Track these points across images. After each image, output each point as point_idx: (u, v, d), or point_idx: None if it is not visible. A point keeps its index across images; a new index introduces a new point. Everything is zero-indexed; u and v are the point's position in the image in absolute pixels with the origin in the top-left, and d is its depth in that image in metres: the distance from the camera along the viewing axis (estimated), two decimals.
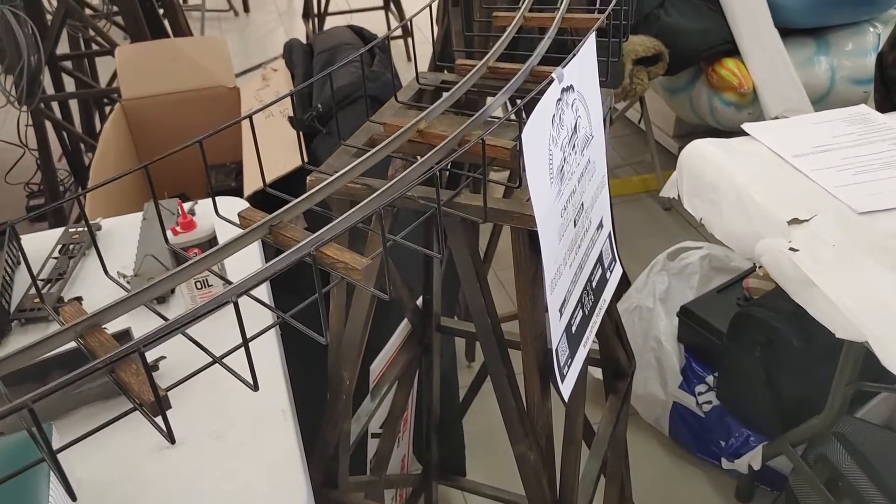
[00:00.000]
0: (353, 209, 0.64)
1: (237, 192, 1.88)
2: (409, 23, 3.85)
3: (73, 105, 2.88)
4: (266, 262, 0.57)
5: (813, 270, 1.04)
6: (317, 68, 1.60)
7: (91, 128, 2.89)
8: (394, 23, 4.16)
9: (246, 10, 4.67)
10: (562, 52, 0.92)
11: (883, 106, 1.83)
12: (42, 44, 2.26)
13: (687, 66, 2.44)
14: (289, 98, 1.68)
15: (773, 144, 1.34)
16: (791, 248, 1.09)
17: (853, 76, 2.44)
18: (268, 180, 1.47)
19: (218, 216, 0.75)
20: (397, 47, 3.99)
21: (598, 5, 1.28)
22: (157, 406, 0.45)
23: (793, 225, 1.13)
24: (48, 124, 2.46)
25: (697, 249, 1.96)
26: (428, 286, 1.27)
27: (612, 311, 1.21)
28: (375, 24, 4.24)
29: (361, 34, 1.72)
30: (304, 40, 4.01)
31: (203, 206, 1.23)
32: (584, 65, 0.85)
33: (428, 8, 1.06)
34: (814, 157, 1.30)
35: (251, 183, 1.51)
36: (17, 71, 2.23)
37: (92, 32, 2.61)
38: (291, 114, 1.55)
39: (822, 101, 2.45)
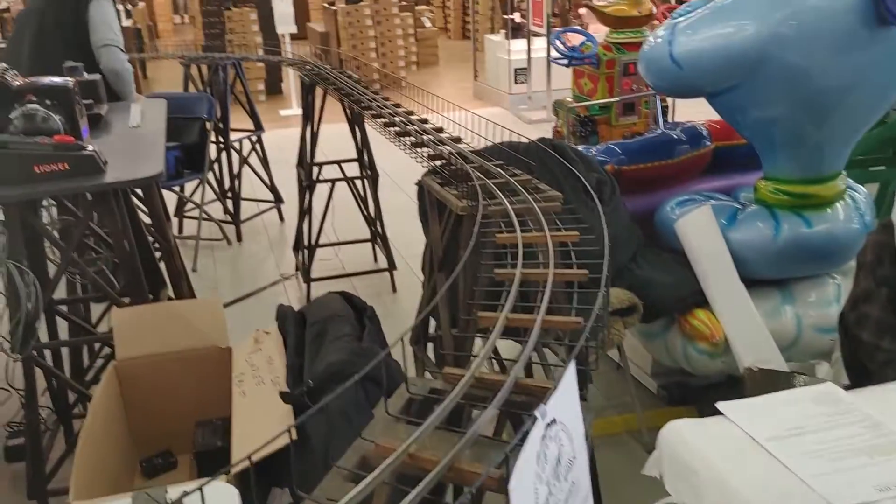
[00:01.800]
0: None
1: (223, 452, 1.89)
2: (390, 261, 4.03)
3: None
4: None
5: None
6: (309, 339, 1.67)
7: (79, 368, 2.92)
8: (380, 254, 4.34)
9: (239, 239, 4.88)
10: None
11: (851, 365, 1.91)
12: (41, 294, 2.35)
13: (660, 317, 2.56)
14: (281, 365, 1.74)
15: (748, 426, 1.39)
16: None
17: (819, 325, 2.55)
18: (255, 457, 1.49)
19: None
20: (383, 279, 4.14)
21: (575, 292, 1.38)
22: None
23: None
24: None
25: None
26: None
27: None
28: (363, 254, 4.43)
29: (352, 302, 1.82)
30: (295, 271, 4.17)
31: (223, 490, 1.24)
32: (564, 395, 0.91)
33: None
34: (788, 440, 1.35)
35: (239, 455, 1.52)
36: (14, 320, 2.30)
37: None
38: (282, 383, 1.60)
39: (791, 348, 2.55)
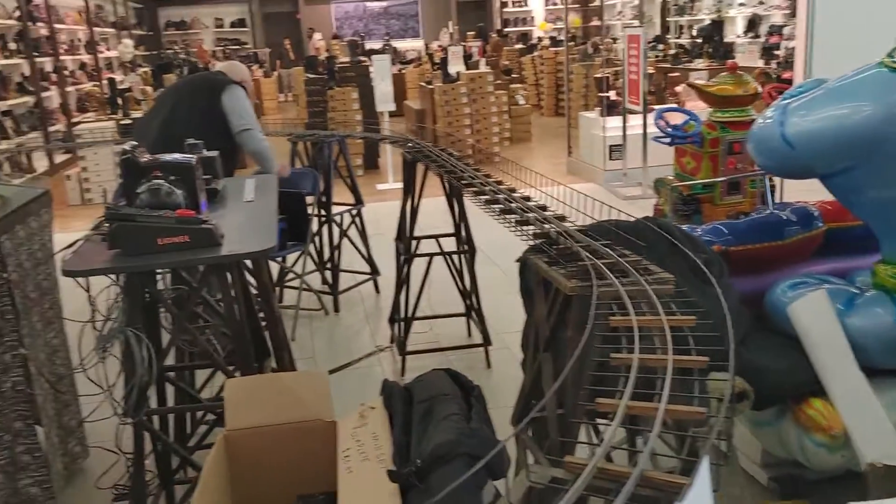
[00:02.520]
0: None
1: None
2: (485, 336, 4.01)
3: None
4: None
5: None
6: (416, 418, 1.67)
7: (182, 433, 2.99)
8: (473, 329, 4.34)
9: (336, 310, 4.97)
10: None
11: None
12: (155, 361, 2.44)
13: (772, 404, 2.45)
14: (386, 441, 1.74)
15: None
16: None
17: None
18: None
19: None
20: (477, 354, 4.12)
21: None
22: None
23: None
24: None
25: None
26: None
27: None
28: (458, 328, 4.43)
29: (458, 380, 1.81)
30: (390, 343, 4.20)
31: None
32: (699, 492, 0.87)
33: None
34: None
35: None
36: (129, 385, 2.39)
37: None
38: (388, 461, 1.59)
39: None
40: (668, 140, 3.51)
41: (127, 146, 2.48)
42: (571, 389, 1.72)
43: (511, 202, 2.50)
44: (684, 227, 2.89)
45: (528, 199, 2.61)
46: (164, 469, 2.87)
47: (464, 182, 2.99)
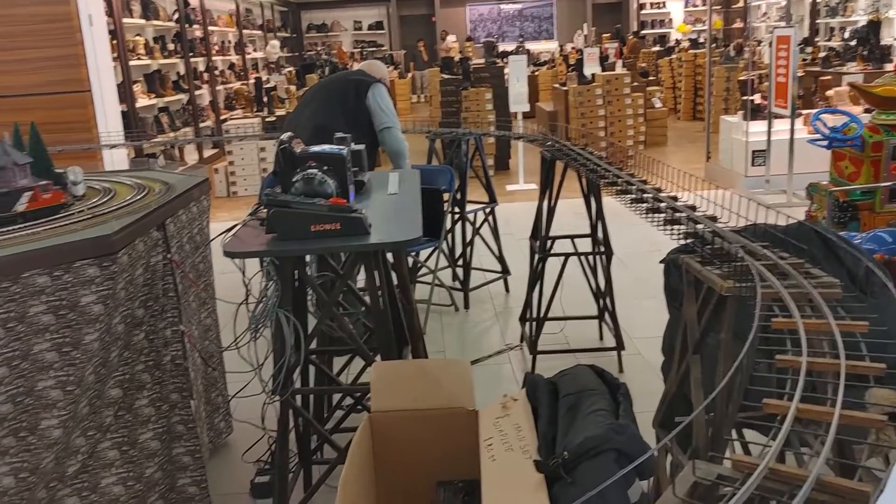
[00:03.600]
0: None
1: None
2: (619, 340, 3.93)
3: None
4: None
5: None
6: (562, 411, 1.66)
7: (320, 415, 3.10)
8: (606, 333, 4.27)
9: (466, 307, 5.01)
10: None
11: None
12: (304, 342, 2.54)
13: None
14: (530, 432, 1.74)
15: None
16: None
17: None
18: None
19: None
20: (609, 358, 4.04)
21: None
22: None
23: None
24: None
25: None
26: None
27: None
28: (588, 331, 4.38)
29: (603, 377, 1.79)
30: (520, 342, 4.20)
31: None
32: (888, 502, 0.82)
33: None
34: None
35: None
36: (278, 365, 2.50)
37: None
38: (534, 453, 1.59)
39: None
40: (825, 143, 3.33)
41: (284, 137, 2.59)
42: (724, 392, 1.66)
43: (659, 201, 2.44)
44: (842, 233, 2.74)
45: (675, 198, 2.54)
46: (304, 448, 2.99)
47: (606, 180, 2.95)
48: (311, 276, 3.10)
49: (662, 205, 2.40)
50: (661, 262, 2.61)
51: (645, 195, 2.56)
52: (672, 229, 2.20)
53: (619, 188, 2.79)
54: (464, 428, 1.94)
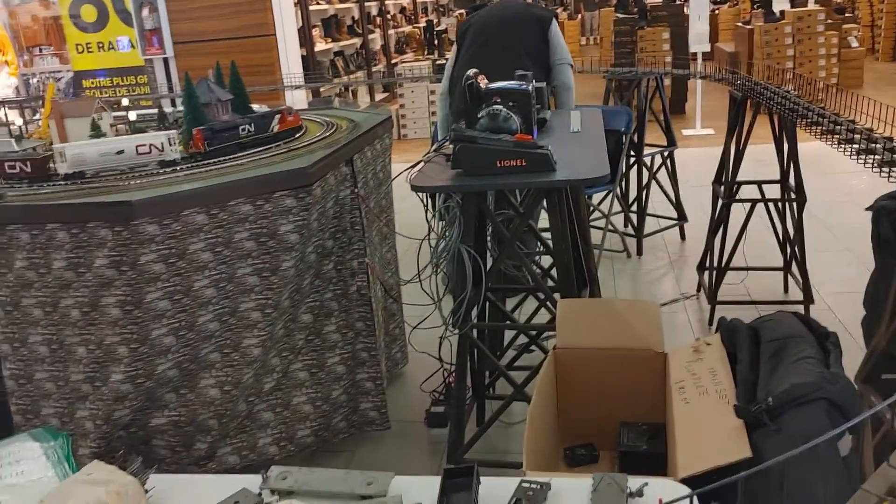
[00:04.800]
0: None
1: (647, 456, 1.87)
2: (807, 293, 3.70)
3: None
4: None
5: None
6: (765, 357, 1.58)
7: (494, 352, 3.14)
8: (792, 286, 4.03)
9: (639, 253, 4.89)
10: None
11: None
12: (485, 277, 2.57)
13: None
14: (726, 377, 1.67)
15: None
16: None
17: None
18: (704, 467, 1.44)
19: None
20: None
21: None
22: None
23: None
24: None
25: None
26: None
27: None
28: (771, 283, 4.15)
29: (809, 325, 1.68)
30: (696, 292, 4.05)
31: (674, 490, 1.21)
32: None
33: None
34: None
35: (684, 461, 1.48)
36: (458, 299, 2.55)
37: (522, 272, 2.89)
38: (732, 398, 1.53)
39: None
40: None
41: (470, 73, 2.58)
42: None
43: (872, 141, 2.24)
44: None
45: (890, 139, 2.32)
46: (478, 383, 3.05)
47: (808, 119, 2.74)
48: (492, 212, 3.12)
49: (878, 145, 2.20)
50: (867, 209, 2.41)
51: (855, 135, 2.36)
52: (890, 171, 2.02)
53: (823, 128, 2.58)
54: (651, 370, 1.90)
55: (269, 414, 2.70)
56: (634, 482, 1.26)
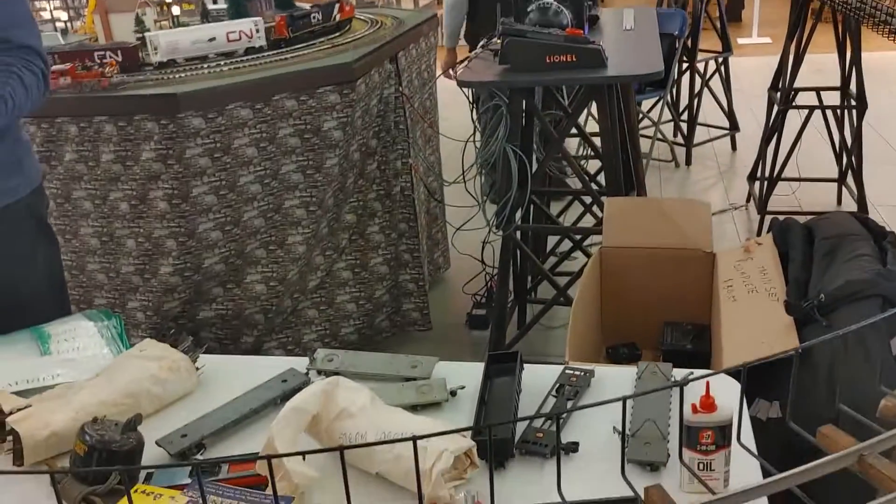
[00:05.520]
0: None
1: (692, 355, 1.87)
2: (862, 203, 3.59)
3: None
4: None
5: None
6: (818, 255, 1.54)
7: (537, 255, 3.13)
8: (846, 197, 3.91)
9: (688, 163, 4.77)
10: None
11: None
12: (530, 178, 2.53)
13: None
14: (777, 276, 1.64)
15: None
16: None
17: None
18: (751, 359, 1.42)
19: None
20: None
21: None
22: None
23: None
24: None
25: None
26: None
27: None
28: (824, 195, 4.03)
29: (867, 224, 1.63)
30: (745, 202, 3.96)
31: (720, 384, 1.20)
32: None
33: None
34: None
35: (731, 358, 1.47)
36: (503, 200, 2.52)
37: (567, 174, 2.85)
38: (782, 296, 1.50)
39: None
40: None
41: None
42: None
43: None
44: None
45: None
46: (520, 287, 3.05)
47: (875, 19, 2.59)
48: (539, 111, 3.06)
49: None
50: None
51: None
52: None
53: (891, 27, 2.44)
54: (698, 270, 1.87)
55: (313, 311, 2.74)
56: (679, 373, 1.25)
